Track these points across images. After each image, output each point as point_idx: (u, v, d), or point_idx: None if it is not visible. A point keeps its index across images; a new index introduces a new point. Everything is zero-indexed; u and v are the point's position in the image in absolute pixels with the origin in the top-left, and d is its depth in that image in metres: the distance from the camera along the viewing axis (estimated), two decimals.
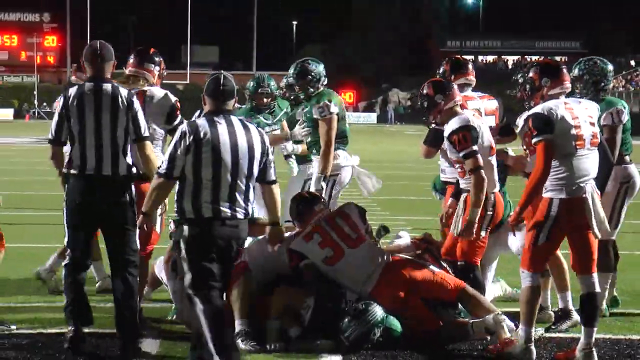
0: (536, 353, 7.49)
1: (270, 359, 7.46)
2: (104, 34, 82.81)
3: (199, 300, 6.82)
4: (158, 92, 8.44)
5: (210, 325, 6.77)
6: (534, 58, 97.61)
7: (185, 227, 6.85)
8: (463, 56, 10.15)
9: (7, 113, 77.42)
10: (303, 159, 10.18)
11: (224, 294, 7.11)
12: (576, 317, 8.25)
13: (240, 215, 6.89)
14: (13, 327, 8.15)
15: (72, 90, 7.55)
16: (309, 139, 9.70)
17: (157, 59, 8.65)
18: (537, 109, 7.32)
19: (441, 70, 9.21)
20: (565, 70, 7.58)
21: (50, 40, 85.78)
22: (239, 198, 6.87)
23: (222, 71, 7.13)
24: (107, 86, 7.51)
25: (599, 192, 7.45)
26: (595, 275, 7.43)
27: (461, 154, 8.07)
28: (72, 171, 7.50)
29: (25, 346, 7.65)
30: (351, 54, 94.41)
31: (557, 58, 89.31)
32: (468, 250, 8.16)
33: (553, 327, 8.35)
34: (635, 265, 11.73)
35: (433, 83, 8.47)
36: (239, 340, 7.56)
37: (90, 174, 7.46)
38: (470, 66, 9.22)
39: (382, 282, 7.89)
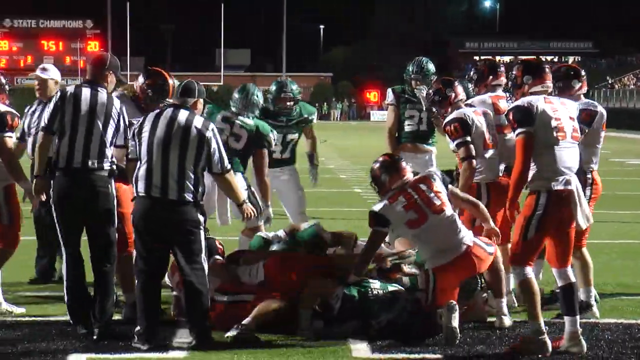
0: (553, 338, 7.46)
1: (301, 344, 7.44)
2: (143, 40, 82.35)
3: (136, 273, 7.50)
4: None
5: (138, 299, 7.38)
6: (549, 58, 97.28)
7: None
8: (487, 57, 10.33)
9: None
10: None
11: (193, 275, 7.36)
12: (596, 311, 8.31)
13: (172, 197, 7.26)
14: (21, 309, 8.26)
15: (70, 89, 7.76)
16: (425, 128, 10.29)
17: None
18: (517, 102, 7.20)
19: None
20: (547, 70, 7.40)
21: (93, 46, 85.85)
22: (172, 182, 7.25)
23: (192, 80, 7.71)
24: (102, 89, 7.72)
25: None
26: (570, 267, 7.33)
27: (454, 143, 8.32)
28: (60, 165, 7.62)
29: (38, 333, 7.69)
30: (375, 55, 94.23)
31: (571, 58, 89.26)
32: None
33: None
34: None
35: (441, 81, 8.86)
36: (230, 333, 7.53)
37: (78, 167, 7.58)
38: (502, 69, 9.17)
39: (454, 265, 7.64)
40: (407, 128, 10.41)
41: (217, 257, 8.20)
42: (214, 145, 7.35)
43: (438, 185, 7.80)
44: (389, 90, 10.68)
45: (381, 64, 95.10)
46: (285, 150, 10.09)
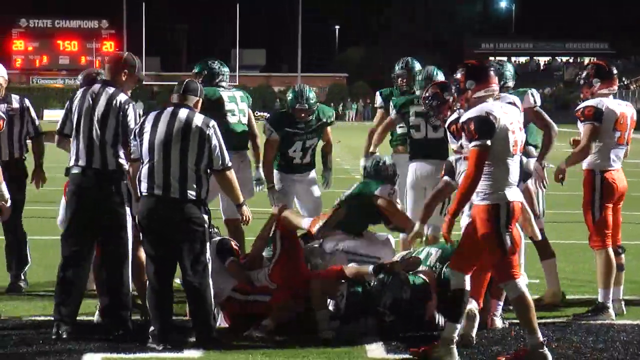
0: (568, 339, 7.46)
1: (316, 345, 7.43)
2: (158, 40, 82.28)
3: (147, 275, 7.52)
4: None
5: (149, 299, 7.43)
6: (564, 59, 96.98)
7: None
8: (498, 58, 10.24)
9: None
10: None
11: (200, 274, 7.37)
12: (612, 313, 8.28)
13: (175, 196, 7.26)
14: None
15: (80, 90, 7.79)
16: None
17: None
18: (476, 112, 6.89)
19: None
20: (492, 73, 7.14)
21: (108, 46, 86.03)
22: (174, 180, 7.26)
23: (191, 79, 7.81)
24: (110, 89, 7.68)
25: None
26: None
27: (459, 143, 8.12)
28: (71, 164, 7.68)
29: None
30: (389, 56, 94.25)
31: (586, 59, 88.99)
32: None
33: (587, 314, 8.32)
34: None
35: (438, 85, 8.84)
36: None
37: (83, 166, 7.61)
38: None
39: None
40: (398, 130, 10.23)
41: (233, 258, 8.19)
42: (214, 141, 7.34)
43: None
44: (377, 94, 10.63)
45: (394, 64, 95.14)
46: (305, 155, 9.86)
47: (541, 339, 6.93)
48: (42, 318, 8.19)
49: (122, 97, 7.67)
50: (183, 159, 7.27)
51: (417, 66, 10.41)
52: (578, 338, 7.67)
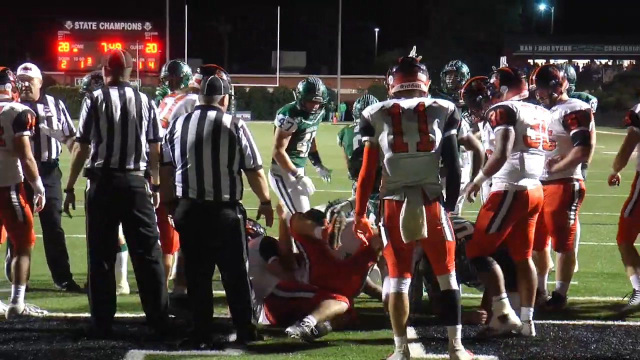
0: (607, 340, 7.44)
1: (355, 343, 7.44)
2: (200, 42, 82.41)
3: (185, 275, 7.61)
4: (16, 106, 8.19)
5: (190, 299, 7.53)
6: (603, 61, 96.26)
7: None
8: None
9: None
10: None
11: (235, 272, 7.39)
12: None
13: (209, 199, 7.27)
14: (45, 312, 8.27)
15: (98, 93, 7.67)
16: None
17: (9, 77, 8.38)
18: (365, 110, 6.83)
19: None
20: (415, 69, 6.82)
21: (151, 47, 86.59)
22: (207, 184, 7.23)
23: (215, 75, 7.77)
24: (129, 90, 7.70)
25: (432, 197, 6.73)
26: (451, 274, 6.86)
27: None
28: (97, 165, 7.58)
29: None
30: (428, 58, 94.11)
31: (625, 61, 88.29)
32: None
33: (626, 315, 8.30)
34: None
35: (483, 80, 8.46)
36: None
37: (115, 168, 7.57)
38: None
39: None
40: None
41: (275, 257, 8.19)
42: (244, 142, 7.32)
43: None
44: None
45: (436, 66, 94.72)
46: (308, 148, 9.99)
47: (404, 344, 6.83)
48: (86, 314, 8.23)
49: (144, 95, 7.75)
50: (215, 161, 7.26)
51: (465, 68, 10.65)
52: (617, 339, 7.61)
